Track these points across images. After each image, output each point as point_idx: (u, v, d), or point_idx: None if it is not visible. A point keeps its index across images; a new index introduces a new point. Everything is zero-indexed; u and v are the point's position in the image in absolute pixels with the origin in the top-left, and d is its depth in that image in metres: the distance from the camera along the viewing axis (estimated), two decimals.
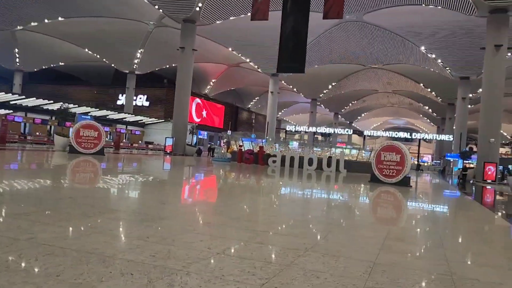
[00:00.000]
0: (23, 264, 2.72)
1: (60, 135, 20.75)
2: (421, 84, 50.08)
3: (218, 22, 32.48)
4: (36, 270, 2.63)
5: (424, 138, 51.14)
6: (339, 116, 73.74)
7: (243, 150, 23.82)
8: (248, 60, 44.27)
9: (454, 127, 43.09)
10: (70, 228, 3.86)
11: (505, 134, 78.57)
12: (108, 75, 55.63)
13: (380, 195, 11.24)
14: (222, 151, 27.14)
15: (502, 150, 67.47)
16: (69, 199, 5.76)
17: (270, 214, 6.40)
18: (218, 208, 6.59)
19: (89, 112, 30.65)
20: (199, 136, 46.02)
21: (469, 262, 4.02)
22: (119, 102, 53.17)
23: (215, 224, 4.80)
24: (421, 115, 73.57)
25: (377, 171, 14.27)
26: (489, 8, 23.15)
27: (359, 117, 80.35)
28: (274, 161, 22.42)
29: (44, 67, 51.39)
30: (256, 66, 45.17)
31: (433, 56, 36.91)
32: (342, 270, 3.21)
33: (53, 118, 29.76)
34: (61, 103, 23.60)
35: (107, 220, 4.48)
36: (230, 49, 42.57)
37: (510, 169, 32.91)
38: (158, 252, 3.24)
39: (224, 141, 28.12)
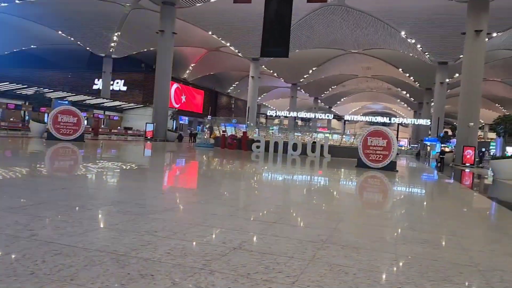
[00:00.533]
0: (31, 267, 2.46)
1: (36, 121, 20.00)
2: (400, 69, 50.56)
3: (198, 4, 31.79)
4: (48, 273, 2.38)
5: (402, 122, 51.73)
6: (319, 101, 73.93)
7: (226, 135, 23.52)
8: (228, 44, 43.61)
9: (431, 111, 43.62)
10: (73, 223, 3.58)
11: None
12: (82, 59, 53.91)
13: (372, 181, 11.23)
14: (205, 137, 26.79)
15: None
16: (63, 190, 5.44)
17: (274, 203, 6.22)
18: (219, 197, 6.37)
19: (65, 97, 29.69)
20: (180, 122, 45.32)
21: (487, 251, 3.95)
22: (95, 87, 51.77)
23: (222, 215, 4.59)
24: (398, 100, 74.51)
25: (364, 156, 14.28)
26: None
27: (338, 102, 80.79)
28: (258, 147, 22.25)
29: (15, 50, 49.49)
30: (236, 51, 44.58)
31: (413, 41, 37.14)
32: (367, 263, 3.07)
33: (27, 103, 28.73)
34: (36, 87, 22.67)
35: (109, 212, 4.23)
36: (210, 32, 41.81)
37: (484, 150, 33.73)
38: (172, 249, 3.03)
39: (207, 126, 27.73)
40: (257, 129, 28.81)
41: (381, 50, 45.50)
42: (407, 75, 51.38)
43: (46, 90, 23.69)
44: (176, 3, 30.16)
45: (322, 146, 21.74)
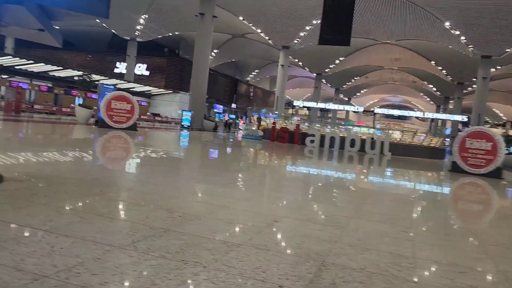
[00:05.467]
0: None
1: (82, 106, 18.65)
2: (432, 62, 48.81)
3: None
4: None
5: (434, 117, 50.17)
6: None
7: (276, 127, 22.10)
8: (259, 31, 41.90)
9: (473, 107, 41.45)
10: None
11: (500, 114, 78.82)
12: (103, 41, 52.53)
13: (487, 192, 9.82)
14: (253, 128, 25.37)
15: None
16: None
17: (376, 211, 4.82)
18: (314, 198, 4.99)
19: (98, 81, 28.18)
20: (215, 110, 43.95)
21: None
22: (116, 71, 50.38)
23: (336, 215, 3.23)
24: (421, 94, 72.66)
25: (461, 159, 12.84)
26: None
27: (358, 94, 78.97)
28: (312, 141, 20.84)
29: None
30: (267, 38, 42.88)
31: (457, 32, 35.40)
32: None
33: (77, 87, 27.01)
34: (82, 72, 21.30)
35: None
36: (240, 18, 40.11)
37: None
38: None
39: (256, 117, 26.31)
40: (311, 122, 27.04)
41: (415, 42, 43.78)
42: (440, 68, 49.61)
43: (92, 74, 22.11)
44: None
45: (382, 143, 20.32)
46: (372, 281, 2.46)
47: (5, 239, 2.51)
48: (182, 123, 27.07)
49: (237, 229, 3.36)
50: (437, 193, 8.99)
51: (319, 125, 26.17)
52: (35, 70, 25.81)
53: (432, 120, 53.23)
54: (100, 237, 2.74)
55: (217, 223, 3.51)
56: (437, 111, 64.11)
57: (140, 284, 2.09)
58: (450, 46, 39.61)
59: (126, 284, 2.08)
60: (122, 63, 48.39)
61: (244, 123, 36.51)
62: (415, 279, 2.58)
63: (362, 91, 78.18)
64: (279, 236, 3.28)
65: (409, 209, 5.80)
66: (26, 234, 2.66)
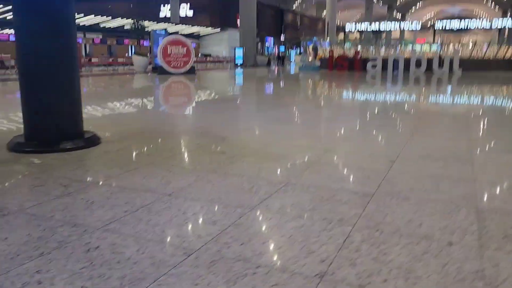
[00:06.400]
0: None
1: (139, 55, 18.65)
2: None
3: None
4: None
5: (504, 25, 45.66)
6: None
7: (334, 56, 21.07)
8: None
9: None
10: None
11: None
12: None
13: None
14: (310, 59, 24.48)
15: None
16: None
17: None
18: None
19: (147, 27, 27.91)
20: (266, 44, 42.90)
21: None
22: (161, 15, 49.75)
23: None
24: (484, 0, 66.18)
25: None
26: None
27: (412, 9, 73.32)
28: (374, 66, 19.75)
29: None
30: None
31: None
32: None
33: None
34: (132, 19, 21.14)
35: None
36: None
37: None
38: None
39: (311, 47, 25.26)
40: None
41: None
42: None
43: (144, 22, 21.82)
44: None
45: (451, 60, 18.86)
46: None
47: (135, 208, 2.40)
48: (235, 61, 26.59)
49: (358, 175, 3.10)
50: None
51: (372, 48, 24.50)
52: (86, 23, 25.96)
53: (500, 29, 48.49)
54: (225, 198, 2.58)
55: (334, 170, 3.26)
56: (503, 17, 58.22)
57: (297, 252, 1.89)
58: None
59: (283, 252, 1.89)
60: (165, 5, 47.61)
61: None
62: None
63: (417, 5, 72.50)
64: (407, 180, 2.97)
65: None
66: (153, 200, 2.54)
